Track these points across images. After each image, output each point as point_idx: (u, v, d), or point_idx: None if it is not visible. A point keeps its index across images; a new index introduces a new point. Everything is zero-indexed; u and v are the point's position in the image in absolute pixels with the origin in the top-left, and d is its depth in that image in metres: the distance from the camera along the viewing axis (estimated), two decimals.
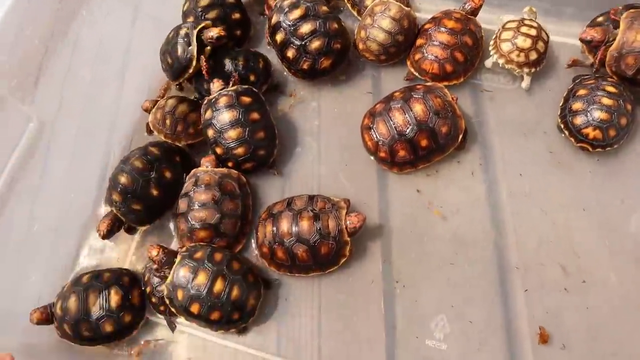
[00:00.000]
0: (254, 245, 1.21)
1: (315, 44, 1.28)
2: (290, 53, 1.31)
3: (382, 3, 1.32)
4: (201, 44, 1.27)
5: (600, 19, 1.32)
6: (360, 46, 1.36)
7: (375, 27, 1.31)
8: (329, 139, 1.33)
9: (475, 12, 1.34)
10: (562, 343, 1.07)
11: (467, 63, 1.32)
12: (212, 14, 1.35)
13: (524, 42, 1.28)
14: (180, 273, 1.07)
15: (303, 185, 1.28)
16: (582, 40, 1.25)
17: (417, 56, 1.33)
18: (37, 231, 1.27)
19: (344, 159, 1.30)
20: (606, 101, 1.19)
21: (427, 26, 1.35)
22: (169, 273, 1.08)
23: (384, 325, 1.11)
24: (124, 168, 1.17)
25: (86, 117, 1.39)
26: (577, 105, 1.23)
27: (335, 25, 1.31)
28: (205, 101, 1.27)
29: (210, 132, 1.24)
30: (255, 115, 1.23)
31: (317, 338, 1.12)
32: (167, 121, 1.26)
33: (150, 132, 1.32)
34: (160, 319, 1.18)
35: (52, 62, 1.21)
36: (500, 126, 1.31)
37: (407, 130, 1.19)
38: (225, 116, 1.22)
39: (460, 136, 1.23)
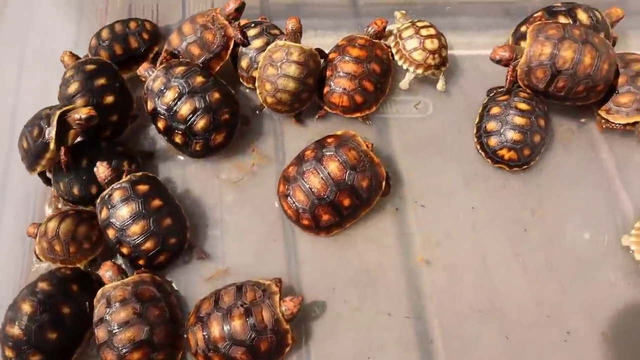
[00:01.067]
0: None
1: (201, 124, 1.16)
2: (177, 139, 1.19)
3: (279, 49, 1.20)
4: (64, 128, 1.11)
5: (523, 28, 1.28)
6: (269, 100, 1.23)
7: (282, 77, 1.19)
8: (247, 213, 1.22)
9: (379, 34, 1.28)
10: None
11: (378, 91, 1.26)
12: (80, 103, 1.18)
13: (432, 44, 1.25)
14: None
15: (226, 263, 1.17)
16: (492, 59, 1.21)
17: (325, 89, 1.25)
18: None
19: (267, 230, 1.20)
20: (518, 120, 1.17)
21: (331, 56, 1.27)
22: None
23: None
24: (12, 317, 1.02)
25: None
26: (491, 126, 1.20)
27: (217, 95, 1.18)
28: (98, 200, 1.14)
29: (111, 233, 1.11)
30: (156, 202, 1.11)
31: None
32: (57, 247, 1.11)
33: (40, 260, 1.16)
34: None
35: None
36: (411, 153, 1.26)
37: (326, 193, 1.10)
38: (123, 211, 1.09)
39: (383, 183, 1.16)
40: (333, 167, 1.10)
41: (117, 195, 1.11)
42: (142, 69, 1.23)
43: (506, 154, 1.17)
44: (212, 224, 1.21)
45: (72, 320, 1.06)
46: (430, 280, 1.13)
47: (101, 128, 1.21)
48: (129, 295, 1.05)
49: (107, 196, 1.12)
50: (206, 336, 1.02)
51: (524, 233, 1.16)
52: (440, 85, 1.30)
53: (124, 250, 1.11)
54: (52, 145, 1.09)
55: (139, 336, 1.02)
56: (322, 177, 1.10)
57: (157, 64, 1.23)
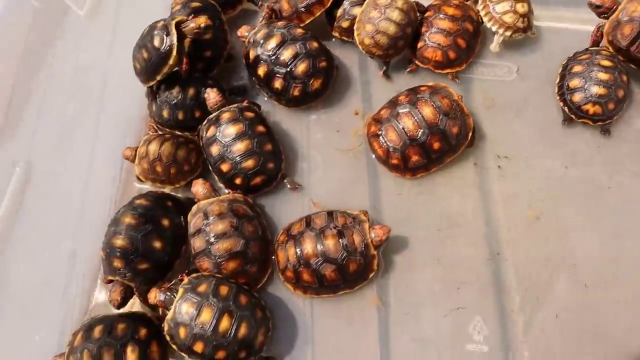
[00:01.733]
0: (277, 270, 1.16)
1: (302, 67, 1.24)
2: (277, 83, 1.26)
3: None
4: (180, 37, 1.18)
5: None
6: (367, 41, 1.28)
7: (384, 20, 1.25)
8: (334, 152, 1.29)
9: None
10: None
11: (469, 50, 1.32)
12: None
13: (523, 7, 1.31)
14: (183, 309, 1.00)
15: (309, 202, 1.23)
16: (590, 4, 1.27)
17: (419, 44, 1.32)
18: (36, 284, 1.17)
19: (352, 168, 1.26)
20: (602, 76, 1.21)
21: (427, 14, 1.33)
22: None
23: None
24: (116, 230, 1.08)
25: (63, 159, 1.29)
26: (574, 83, 1.25)
27: (316, 44, 1.27)
28: (205, 121, 1.21)
29: (215, 149, 1.18)
30: (260, 128, 1.20)
31: None
32: (158, 168, 1.18)
33: (141, 181, 1.23)
34: None
35: (25, 99, 1.12)
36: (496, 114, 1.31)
37: (419, 135, 1.16)
38: (231, 130, 1.17)
39: (470, 134, 1.22)
40: (427, 111, 1.17)
41: (226, 116, 1.19)
42: (243, 30, 1.32)
43: (591, 108, 1.21)
44: (300, 157, 1.28)
45: (172, 232, 1.13)
46: (508, 229, 1.18)
47: (195, 61, 1.28)
48: (226, 210, 1.12)
49: (215, 117, 1.19)
50: (298, 252, 1.09)
51: (601, 195, 1.20)
52: (495, 46, 1.36)
53: (225, 167, 1.18)
54: (174, 52, 1.16)
55: (236, 247, 1.09)
56: (415, 120, 1.17)
57: (260, 21, 1.33)
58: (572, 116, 1.25)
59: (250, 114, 1.21)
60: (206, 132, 1.20)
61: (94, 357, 0.99)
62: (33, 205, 1.22)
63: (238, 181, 1.20)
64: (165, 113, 1.25)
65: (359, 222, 1.10)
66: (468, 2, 1.36)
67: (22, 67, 1.15)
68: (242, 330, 1.00)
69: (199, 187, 1.16)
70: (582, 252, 1.15)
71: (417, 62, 1.34)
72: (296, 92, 1.26)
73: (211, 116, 1.21)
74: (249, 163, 1.17)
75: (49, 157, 1.10)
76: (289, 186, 1.24)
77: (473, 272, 1.14)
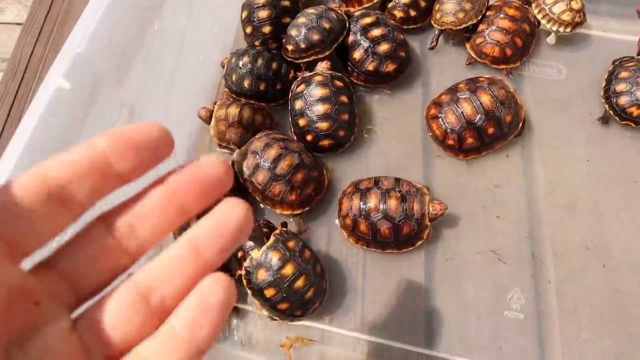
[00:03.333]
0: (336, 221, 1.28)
1: (384, 47, 1.36)
2: (357, 54, 1.38)
3: None
4: None
5: None
6: (449, 19, 1.42)
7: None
8: (394, 130, 1.40)
9: (530, 2, 1.47)
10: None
11: (524, 49, 1.43)
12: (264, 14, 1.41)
13: (577, 4, 1.42)
14: (270, 256, 1.11)
15: (373, 172, 1.35)
16: (638, 12, 1.38)
17: (479, 40, 1.43)
18: None
19: (408, 147, 1.38)
20: None
21: (488, 13, 1.45)
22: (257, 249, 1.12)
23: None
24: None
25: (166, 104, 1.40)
26: (620, 87, 1.35)
27: (402, 37, 1.41)
28: (300, 78, 1.35)
29: (299, 104, 1.31)
30: (344, 99, 1.31)
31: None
32: (236, 131, 1.30)
33: (220, 145, 1.35)
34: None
35: (140, 53, 1.23)
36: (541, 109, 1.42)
37: (476, 119, 1.28)
38: (317, 91, 1.29)
39: (520, 124, 1.33)
40: (485, 99, 1.28)
41: (317, 79, 1.31)
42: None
43: (635, 111, 1.32)
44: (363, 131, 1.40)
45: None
46: (548, 212, 1.29)
47: (278, 33, 1.42)
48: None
49: (309, 77, 1.33)
50: (362, 204, 1.20)
51: (635, 190, 1.31)
52: (552, 39, 1.47)
53: (302, 121, 1.31)
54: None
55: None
56: (474, 106, 1.28)
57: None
58: (616, 118, 1.35)
59: (339, 84, 1.32)
60: (296, 87, 1.33)
61: None
62: None
63: (309, 137, 1.31)
64: (246, 83, 1.36)
65: (421, 193, 1.22)
66: (526, 6, 1.47)
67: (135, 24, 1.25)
68: (309, 294, 1.12)
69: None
70: (615, 239, 1.25)
71: (475, 56, 1.45)
72: (370, 67, 1.37)
73: (306, 75, 1.34)
74: (323, 125, 1.29)
75: (148, 104, 1.21)
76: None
77: (513, 247, 1.25)
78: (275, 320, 1.16)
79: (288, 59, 1.40)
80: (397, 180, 1.24)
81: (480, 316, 1.19)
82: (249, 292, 1.13)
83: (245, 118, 1.30)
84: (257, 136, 1.26)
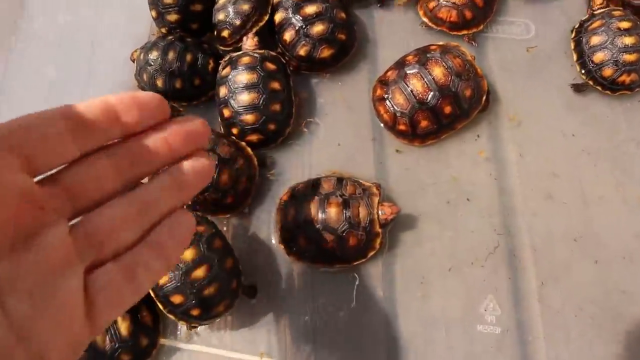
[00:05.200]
0: (272, 229, 1.08)
1: (319, 28, 1.12)
2: (287, 35, 1.14)
3: None
4: None
5: None
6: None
7: None
8: (338, 118, 1.18)
9: None
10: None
11: (487, 8, 1.20)
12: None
13: None
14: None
15: (316, 171, 1.14)
16: None
17: (432, 4, 1.20)
18: None
19: (356, 137, 1.16)
20: (628, 40, 1.10)
21: None
22: None
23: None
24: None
25: None
26: (599, 57, 1.13)
27: (343, 15, 1.16)
28: (227, 57, 1.13)
29: (223, 91, 1.10)
30: (275, 85, 1.09)
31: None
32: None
33: None
34: (177, 342, 1.04)
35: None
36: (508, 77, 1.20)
37: (428, 98, 1.06)
38: (242, 77, 1.08)
39: (484, 97, 1.12)
40: (438, 71, 1.06)
41: (244, 61, 1.09)
42: None
43: (626, 78, 1.11)
44: (301, 121, 1.18)
45: None
46: (524, 200, 1.09)
47: (188, 20, 1.19)
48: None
49: (235, 57, 1.11)
50: (298, 215, 1.01)
51: (627, 164, 1.11)
52: None
53: (226, 112, 1.10)
54: None
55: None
56: (425, 81, 1.06)
57: None
58: (608, 92, 1.14)
59: (271, 66, 1.10)
60: (222, 70, 1.12)
61: None
62: None
63: (234, 130, 1.11)
64: (159, 82, 1.14)
65: (368, 195, 1.01)
66: None
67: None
68: (210, 290, 0.93)
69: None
70: (604, 227, 1.06)
71: (429, 23, 1.22)
72: (302, 52, 1.15)
73: (233, 55, 1.12)
74: (248, 117, 1.08)
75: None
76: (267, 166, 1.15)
77: (485, 247, 1.06)
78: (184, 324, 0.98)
79: (228, 48, 1.18)
80: (340, 180, 1.03)
81: (449, 333, 1.00)
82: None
83: None
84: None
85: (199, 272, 0.92)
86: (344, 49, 1.18)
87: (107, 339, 0.95)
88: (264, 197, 1.12)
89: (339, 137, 1.16)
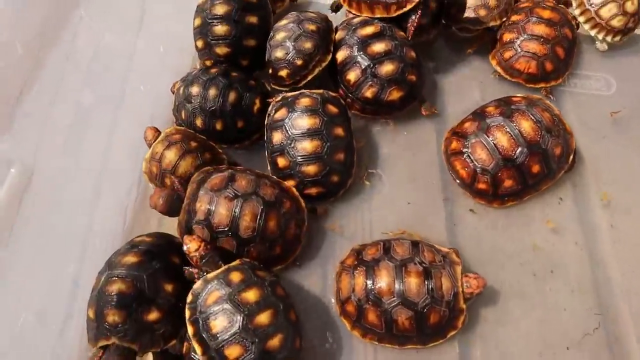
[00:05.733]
0: (333, 299, 0.92)
1: (388, 67, 1.01)
2: (352, 75, 1.03)
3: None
4: None
5: None
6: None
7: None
8: (402, 172, 1.05)
9: (567, 1, 1.15)
10: None
11: (567, 60, 1.10)
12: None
13: (633, 5, 1.10)
14: (230, 277, 0.80)
15: (377, 229, 1.00)
16: None
17: (508, 54, 1.09)
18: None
19: (425, 194, 1.03)
20: None
21: (514, 18, 1.11)
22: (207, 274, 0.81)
23: None
24: (111, 274, 0.82)
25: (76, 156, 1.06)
26: None
27: (413, 54, 1.05)
28: (279, 98, 1.00)
29: (277, 137, 0.96)
30: (339, 131, 0.96)
31: None
32: (166, 180, 0.95)
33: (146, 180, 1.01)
34: None
35: (37, 83, 0.89)
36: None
37: (516, 154, 0.93)
38: (303, 122, 0.95)
39: (571, 157, 0.99)
40: (526, 125, 0.94)
41: (304, 102, 0.97)
42: None
43: None
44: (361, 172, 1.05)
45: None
46: (622, 274, 0.95)
47: (238, 55, 1.08)
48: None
49: (292, 98, 0.99)
50: (370, 285, 0.85)
51: None
52: (602, 45, 1.15)
53: (281, 161, 0.97)
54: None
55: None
56: (511, 135, 0.94)
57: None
58: None
59: (334, 109, 0.98)
60: (275, 112, 0.98)
61: None
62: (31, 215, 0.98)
63: (291, 183, 0.97)
64: (198, 122, 1.02)
65: (449, 263, 0.86)
66: (561, 5, 1.14)
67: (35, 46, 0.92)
68: (274, 342, 0.77)
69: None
70: None
71: (504, 74, 1.11)
72: (368, 94, 1.03)
73: (288, 95, 0.99)
74: (310, 169, 0.95)
75: (54, 159, 0.87)
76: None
77: (581, 329, 0.90)
78: None
79: (285, 88, 1.05)
80: (415, 245, 0.88)
81: None
82: (190, 330, 0.77)
83: (180, 171, 0.95)
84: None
85: (264, 318, 0.76)
86: (413, 91, 1.06)
87: None
88: (316, 250, 0.97)
89: (405, 193, 1.03)
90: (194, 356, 0.83)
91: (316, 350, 0.89)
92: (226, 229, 0.85)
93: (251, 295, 0.76)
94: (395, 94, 1.03)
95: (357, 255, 0.91)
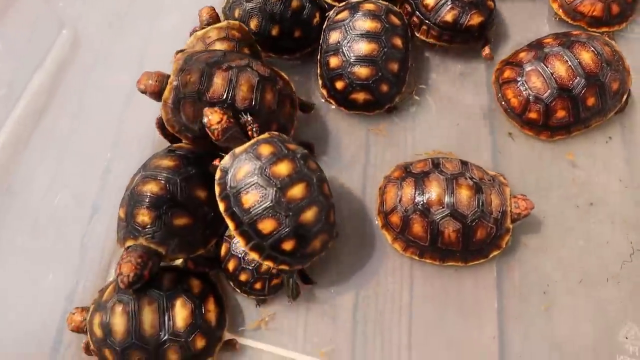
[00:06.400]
0: (375, 211, 0.91)
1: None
2: (339, 85, 0.96)
3: None
4: None
5: None
6: None
7: None
8: (450, 97, 1.04)
9: None
10: None
11: (634, 3, 1.07)
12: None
13: None
14: (259, 150, 0.78)
15: (418, 151, 0.98)
16: None
17: None
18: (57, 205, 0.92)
19: (470, 120, 1.02)
20: None
21: None
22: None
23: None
24: (145, 174, 0.81)
25: None
26: None
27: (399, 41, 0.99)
28: (345, 2, 0.99)
29: (335, 36, 0.95)
30: (398, 42, 0.94)
31: None
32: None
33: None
34: (244, 337, 0.86)
35: None
36: None
37: (573, 84, 0.92)
38: (364, 24, 0.93)
39: (625, 96, 0.98)
40: (586, 56, 0.92)
41: (368, 7, 0.97)
42: None
43: None
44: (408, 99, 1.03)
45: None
46: None
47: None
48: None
49: (357, 2, 0.98)
50: (418, 195, 0.83)
51: None
52: None
53: (334, 60, 0.96)
54: None
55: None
56: (570, 65, 0.92)
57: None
58: None
59: (396, 21, 0.96)
60: (336, 14, 0.97)
61: (131, 314, 0.74)
62: None
63: (339, 85, 0.95)
64: (252, 23, 0.98)
65: (499, 184, 0.85)
66: None
67: None
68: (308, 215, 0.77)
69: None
70: None
71: (565, 17, 1.07)
72: (449, 17, 0.99)
73: (353, 0, 0.99)
74: (362, 71, 0.93)
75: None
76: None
77: (622, 262, 0.89)
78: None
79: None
80: (464, 163, 0.87)
81: None
82: (220, 207, 0.76)
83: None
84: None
85: (297, 191, 0.75)
86: (491, 18, 1.03)
87: (157, 325, 0.76)
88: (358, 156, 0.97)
89: (448, 117, 1.01)
90: (235, 250, 0.82)
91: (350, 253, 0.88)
92: (222, 99, 0.80)
93: (283, 168, 0.75)
94: (475, 19, 1.00)
95: (404, 169, 0.89)
